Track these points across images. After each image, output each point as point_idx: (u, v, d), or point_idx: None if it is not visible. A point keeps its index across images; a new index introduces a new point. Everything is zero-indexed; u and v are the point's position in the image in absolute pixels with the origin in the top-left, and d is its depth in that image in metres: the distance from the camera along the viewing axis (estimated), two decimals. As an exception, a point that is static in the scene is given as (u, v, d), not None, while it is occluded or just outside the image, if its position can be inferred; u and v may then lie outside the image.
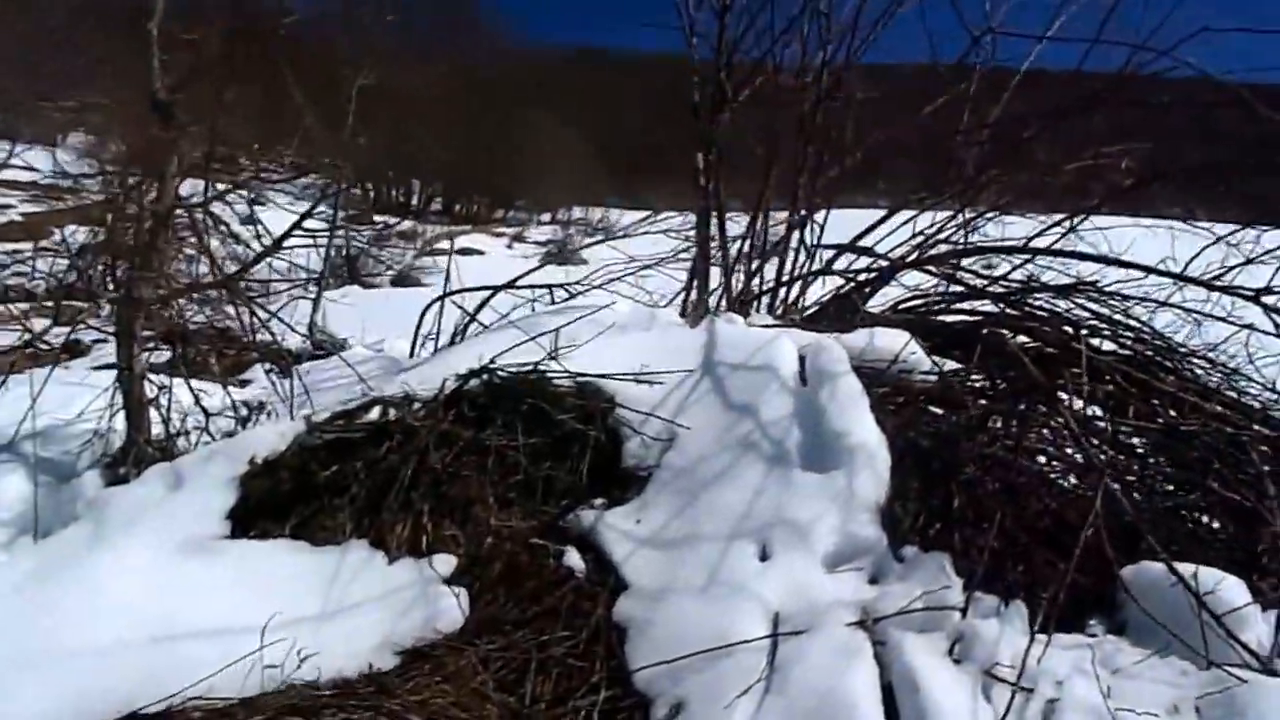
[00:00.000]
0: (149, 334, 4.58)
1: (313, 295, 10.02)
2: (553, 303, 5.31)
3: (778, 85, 5.36)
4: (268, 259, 4.38)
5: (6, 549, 3.54)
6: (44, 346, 5.47)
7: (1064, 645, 2.80)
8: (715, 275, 5.45)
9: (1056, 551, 3.16)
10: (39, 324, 5.41)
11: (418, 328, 5.84)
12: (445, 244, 23.57)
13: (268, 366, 5.57)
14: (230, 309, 4.52)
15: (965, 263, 4.88)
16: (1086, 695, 2.63)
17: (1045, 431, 3.80)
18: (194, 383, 4.52)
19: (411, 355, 5.68)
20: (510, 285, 5.76)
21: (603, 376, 3.94)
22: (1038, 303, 4.33)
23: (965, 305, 4.65)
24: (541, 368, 3.93)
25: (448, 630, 3.18)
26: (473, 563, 3.46)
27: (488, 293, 5.68)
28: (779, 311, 5.23)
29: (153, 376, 4.24)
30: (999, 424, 3.87)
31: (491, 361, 3.93)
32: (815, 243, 5.48)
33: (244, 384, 6.52)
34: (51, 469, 4.33)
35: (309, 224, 4.41)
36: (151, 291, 3.98)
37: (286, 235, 4.26)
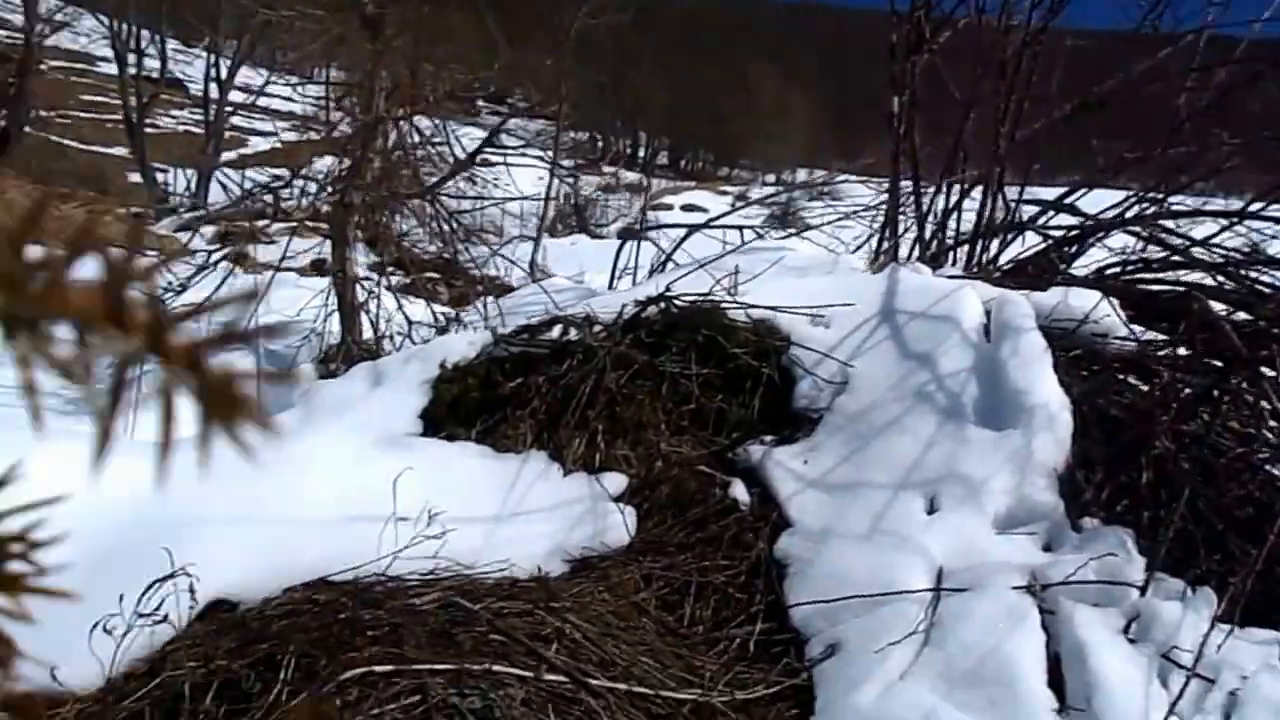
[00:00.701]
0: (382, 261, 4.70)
1: (533, 237, 10.10)
2: (743, 242, 5.12)
3: (980, 27, 4.79)
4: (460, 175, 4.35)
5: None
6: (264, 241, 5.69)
7: (1254, 639, 2.45)
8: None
9: (1256, 542, 2.75)
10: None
11: (615, 262, 5.78)
12: (670, 199, 23.40)
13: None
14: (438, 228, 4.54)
15: (1177, 226, 4.31)
16: (1272, 692, 2.31)
17: (1250, 414, 3.32)
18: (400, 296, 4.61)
19: (611, 288, 5.61)
20: (705, 226, 5.62)
21: (776, 309, 3.73)
22: (1256, 275, 3.78)
23: (1174, 275, 4.10)
24: (717, 299, 3.76)
25: (614, 545, 3.12)
26: (642, 484, 3.38)
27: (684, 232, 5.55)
28: (973, 268, 4.78)
29: (365, 283, 4.34)
30: (1200, 400, 3.41)
31: (668, 289, 3.78)
32: (1017, 198, 4.97)
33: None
34: (276, 360, 4.56)
35: (499, 145, 4.34)
36: (360, 197, 4.01)
37: (479, 151, 4.23)
